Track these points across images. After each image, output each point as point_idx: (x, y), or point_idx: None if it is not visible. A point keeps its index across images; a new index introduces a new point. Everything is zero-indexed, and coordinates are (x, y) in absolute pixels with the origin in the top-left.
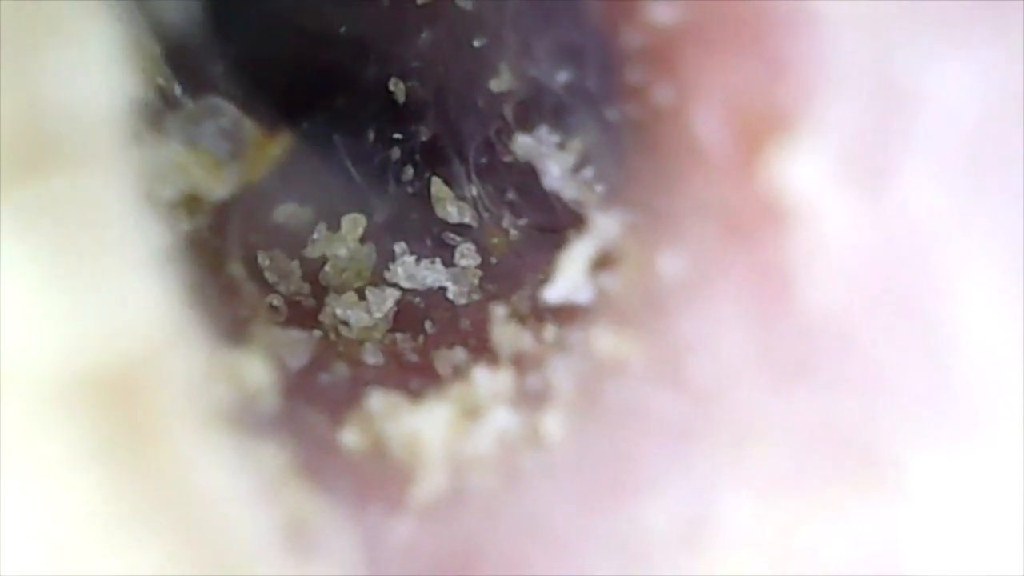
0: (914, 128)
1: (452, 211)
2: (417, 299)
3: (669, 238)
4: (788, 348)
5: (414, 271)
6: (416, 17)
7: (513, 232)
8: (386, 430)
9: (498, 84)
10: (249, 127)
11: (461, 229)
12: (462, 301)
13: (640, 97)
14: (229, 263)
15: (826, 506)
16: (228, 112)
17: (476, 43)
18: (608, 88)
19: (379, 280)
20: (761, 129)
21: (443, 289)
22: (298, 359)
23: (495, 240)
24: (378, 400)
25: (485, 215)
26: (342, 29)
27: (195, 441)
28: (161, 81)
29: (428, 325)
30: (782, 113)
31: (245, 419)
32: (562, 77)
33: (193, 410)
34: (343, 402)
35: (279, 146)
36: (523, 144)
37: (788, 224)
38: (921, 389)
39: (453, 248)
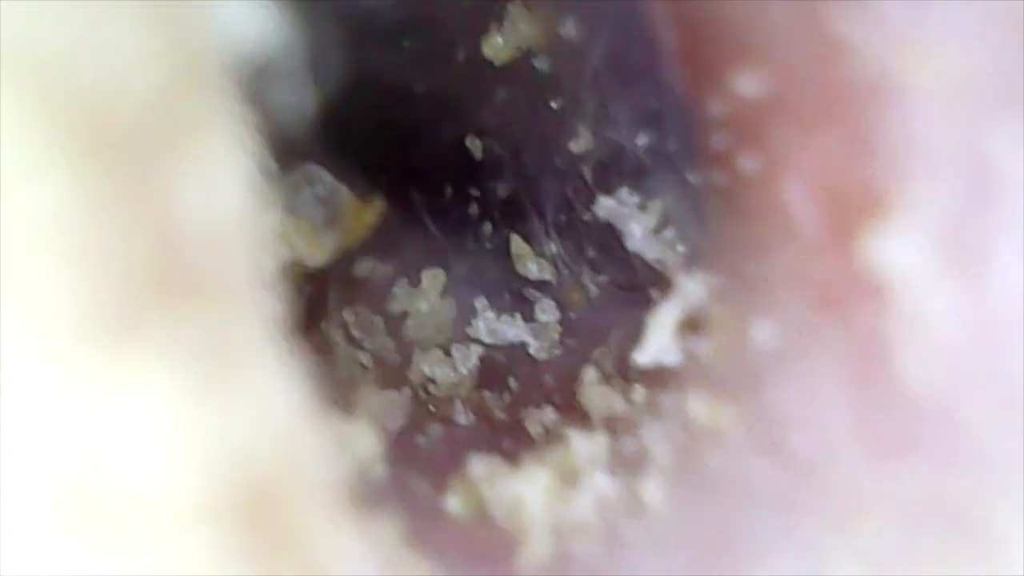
0: (1008, 207)
1: (532, 268)
2: (499, 355)
3: (761, 306)
4: (890, 422)
5: (495, 326)
6: (493, 77)
7: (592, 288)
8: (488, 495)
9: (577, 145)
10: (344, 193)
11: (540, 285)
12: (543, 356)
13: (724, 163)
14: (329, 328)
15: None
16: (323, 179)
17: (554, 104)
18: (690, 152)
19: (461, 336)
20: (854, 206)
21: (524, 344)
22: (395, 421)
23: (575, 296)
24: (478, 464)
25: (564, 272)
26: (419, 87)
27: (327, 530)
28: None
29: (511, 381)
30: (875, 191)
31: (361, 492)
32: (642, 140)
33: (322, 497)
34: (443, 467)
35: (374, 212)
36: (605, 206)
37: (885, 300)
38: (1008, 452)
39: (532, 304)
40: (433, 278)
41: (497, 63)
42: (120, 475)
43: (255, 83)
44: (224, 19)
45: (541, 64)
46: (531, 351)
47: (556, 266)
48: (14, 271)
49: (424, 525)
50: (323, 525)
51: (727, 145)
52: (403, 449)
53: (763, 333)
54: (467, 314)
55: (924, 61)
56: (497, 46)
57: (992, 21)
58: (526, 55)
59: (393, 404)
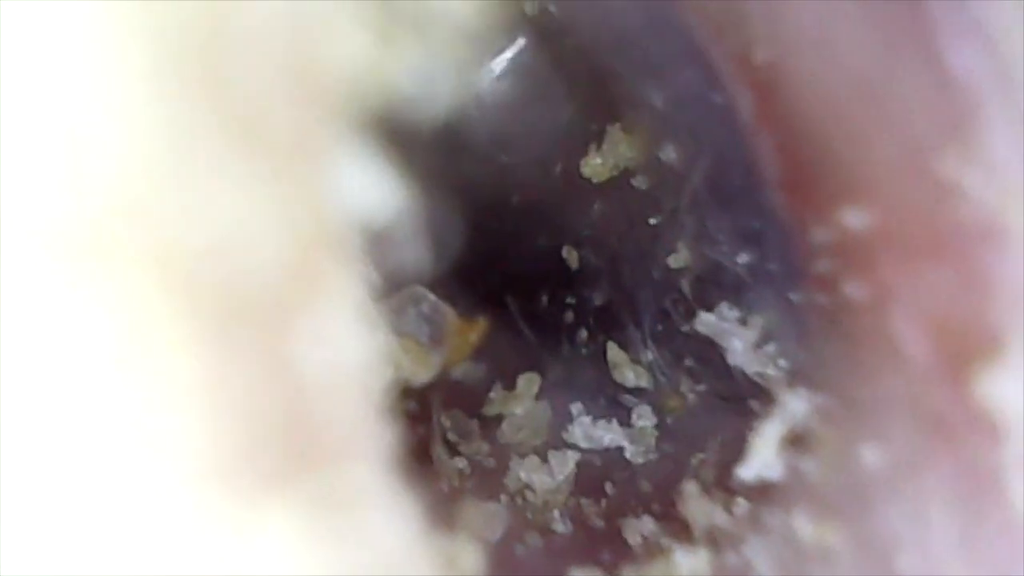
0: None
1: (629, 375)
2: (596, 459)
3: (870, 429)
4: (996, 548)
5: (591, 431)
6: (591, 192)
7: (691, 396)
8: None
9: (675, 260)
10: (449, 313)
11: (637, 391)
12: (639, 460)
13: (829, 287)
14: (434, 446)
15: None
16: (428, 298)
17: (652, 221)
18: (792, 273)
19: (557, 441)
20: (968, 342)
21: (620, 449)
22: (494, 532)
23: (672, 402)
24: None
25: (662, 379)
26: (514, 199)
27: None
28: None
29: (608, 487)
30: (989, 329)
31: None
32: (743, 258)
33: None
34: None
35: (478, 331)
36: (705, 321)
37: (1000, 434)
38: None
39: (629, 409)
40: (528, 382)
41: (595, 180)
42: None
43: (375, 246)
44: (347, 186)
45: (639, 183)
46: (627, 455)
47: (653, 374)
48: (158, 429)
49: None
50: None
51: (831, 270)
52: (504, 562)
53: (871, 455)
54: (563, 419)
55: None
56: (596, 166)
57: None
58: (624, 174)
59: (492, 515)
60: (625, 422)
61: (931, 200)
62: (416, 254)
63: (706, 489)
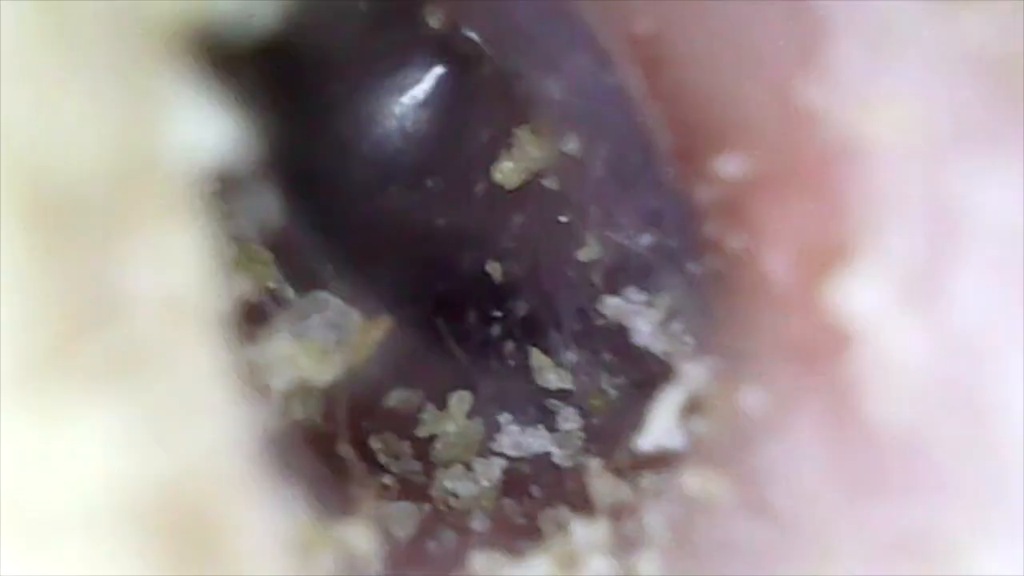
0: (964, 246)
1: (552, 378)
2: (524, 466)
3: (750, 377)
4: (860, 465)
5: (519, 439)
6: (508, 203)
7: (612, 392)
8: None
9: (586, 254)
10: (353, 316)
11: (562, 394)
12: (568, 464)
13: (717, 248)
14: (340, 444)
15: None
16: (333, 304)
17: (563, 219)
18: (688, 244)
19: (485, 451)
20: (820, 263)
21: (548, 454)
22: (405, 530)
23: (595, 402)
24: (480, 559)
25: (584, 379)
26: (441, 221)
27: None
28: (272, 284)
29: (535, 490)
30: (842, 245)
31: None
32: (645, 240)
33: (260, 544)
34: (448, 564)
35: (380, 329)
36: (611, 305)
37: (853, 347)
38: (984, 490)
39: (555, 414)
40: (460, 400)
41: (508, 187)
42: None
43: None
44: (183, 126)
45: (550, 183)
46: (555, 459)
47: (575, 374)
48: None
49: None
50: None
51: (718, 229)
52: (409, 551)
53: (751, 399)
54: (492, 430)
55: (884, 117)
56: (508, 170)
57: (946, 69)
58: (535, 177)
59: (406, 515)
60: (552, 427)
61: (792, 130)
62: (262, 200)
63: (617, 471)
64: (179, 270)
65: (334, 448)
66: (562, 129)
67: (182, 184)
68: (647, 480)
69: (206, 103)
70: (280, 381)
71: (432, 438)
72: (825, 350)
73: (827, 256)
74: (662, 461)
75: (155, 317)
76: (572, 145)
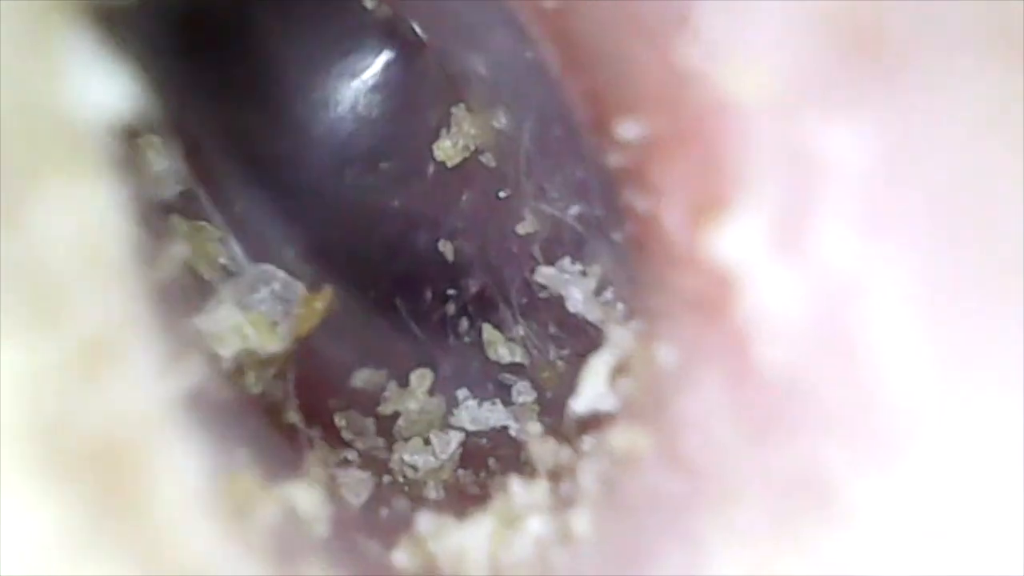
0: (825, 194)
1: (504, 352)
2: (483, 440)
3: (663, 333)
4: (756, 409)
5: (476, 414)
6: (455, 182)
7: (560, 363)
8: (435, 549)
9: (524, 227)
10: (299, 288)
11: (516, 369)
12: (524, 437)
13: (632, 215)
14: (287, 412)
15: (800, 549)
16: (279, 277)
17: (501, 194)
18: (610, 212)
19: (443, 425)
20: (707, 217)
21: (506, 428)
22: (359, 497)
23: (545, 374)
24: (425, 522)
25: (534, 352)
26: (396, 203)
27: (182, 524)
28: (224, 260)
29: (492, 462)
30: (721, 199)
31: (298, 542)
32: (574, 210)
33: (182, 499)
34: (397, 529)
35: (323, 301)
36: (545, 274)
37: (737, 296)
38: (857, 426)
39: (510, 388)
40: (421, 378)
41: (449, 164)
42: None
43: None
44: (84, 86)
45: (487, 160)
46: (512, 433)
47: (526, 347)
48: None
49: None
50: (174, 518)
51: (630, 196)
52: (362, 517)
53: (666, 357)
54: (451, 405)
55: (749, 76)
56: (447, 148)
57: (805, 29)
58: (474, 154)
59: (360, 482)
60: (508, 402)
61: (676, 91)
62: (168, 161)
63: (553, 432)
64: (91, 218)
65: (283, 416)
66: (491, 105)
67: (88, 140)
68: (584, 442)
69: (107, 63)
70: (227, 350)
71: (395, 415)
72: (717, 301)
73: (710, 210)
74: (595, 423)
75: (69, 262)
76: (502, 120)
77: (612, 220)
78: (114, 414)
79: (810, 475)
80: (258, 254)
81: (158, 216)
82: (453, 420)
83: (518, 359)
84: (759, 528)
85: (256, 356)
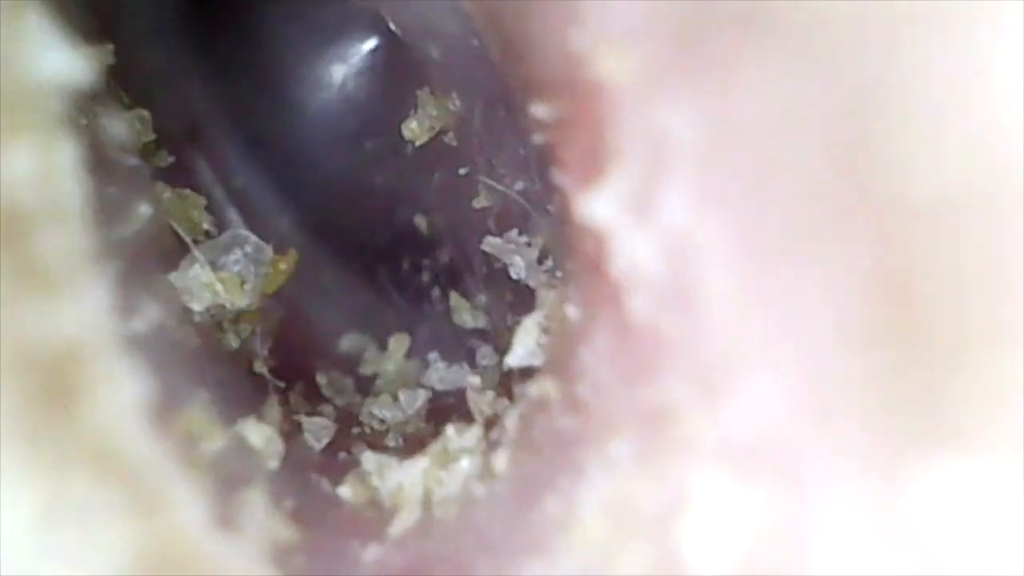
0: (669, 165)
1: (467, 318)
2: (450, 398)
3: (572, 294)
4: (630, 354)
5: (445, 375)
6: (427, 161)
7: (515, 328)
8: (377, 484)
9: (479, 202)
10: (267, 250)
11: (480, 334)
12: (489, 414)
13: (556, 188)
14: (256, 363)
15: (655, 475)
16: (251, 240)
17: (461, 171)
18: (545, 188)
19: (414, 384)
20: (589, 186)
21: (466, 388)
22: (319, 442)
23: (504, 339)
24: (370, 460)
25: (496, 318)
26: (378, 180)
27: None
28: (207, 226)
29: (455, 418)
30: (598, 171)
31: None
32: (519, 186)
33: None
34: (346, 468)
35: (288, 263)
36: (491, 243)
37: (610, 254)
38: (696, 359)
39: (474, 351)
40: (399, 341)
41: (417, 143)
42: None
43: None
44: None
45: (449, 139)
46: (471, 391)
47: (488, 314)
48: None
49: (312, 503)
50: (112, 427)
51: (553, 171)
52: (315, 457)
53: (574, 314)
54: (423, 367)
55: (617, 61)
56: (413, 129)
57: (653, 19)
58: (439, 134)
59: (321, 428)
60: (473, 364)
61: (572, 74)
62: (119, 121)
63: (487, 383)
64: (52, 169)
65: (250, 364)
66: (447, 89)
67: (42, 100)
68: (514, 393)
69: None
70: (199, 304)
71: (374, 376)
72: (599, 262)
73: (592, 181)
74: (524, 375)
75: (30, 202)
76: (456, 103)
77: (546, 194)
78: (62, 334)
79: (665, 409)
80: (254, 224)
81: (135, 181)
82: (423, 380)
83: (481, 325)
84: (625, 458)
85: (226, 311)
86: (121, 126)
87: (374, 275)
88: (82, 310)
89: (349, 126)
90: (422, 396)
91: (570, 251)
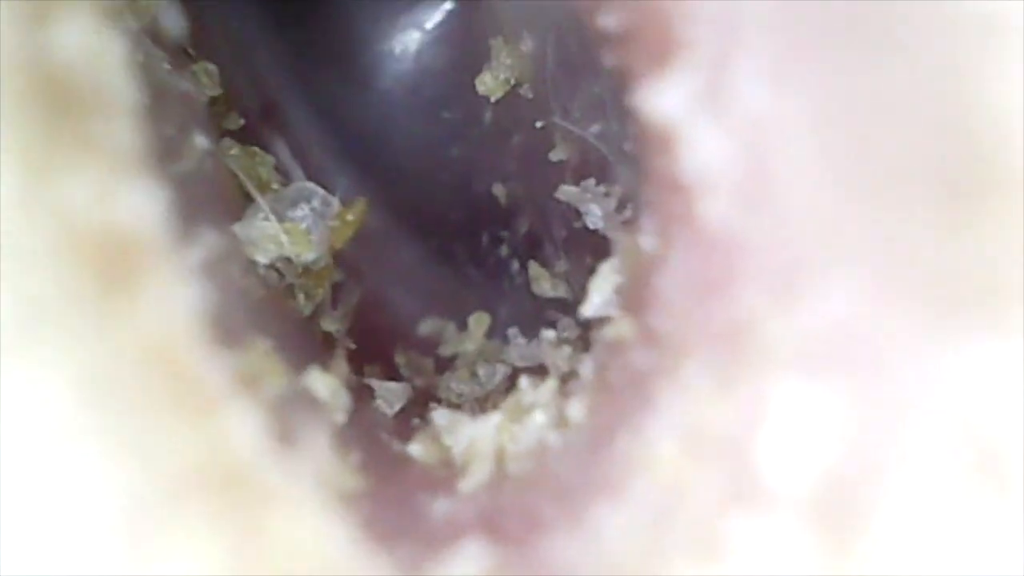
0: (741, 41)
1: (547, 287)
2: (525, 371)
3: (645, 223)
4: (703, 269)
5: (524, 351)
6: (505, 123)
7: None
8: (448, 442)
9: (556, 154)
10: (335, 203)
11: (559, 304)
12: (565, 370)
13: (631, 115)
14: (324, 319)
15: (729, 395)
16: (319, 194)
17: (538, 124)
18: (621, 124)
19: (493, 360)
20: (651, 80)
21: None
22: (392, 407)
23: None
24: (442, 416)
25: (576, 286)
26: (455, 151)
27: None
28: (275, 186)
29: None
30: (661, 61)
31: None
32: (595, 129)
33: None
34: (417, 427)
35: (355, 213)
36: (567, 192)
37: (679, 155)
38: (774, 260)
39: (555, 324)
40: (478, 320)
41: (493, 99)
42: None
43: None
44: None
45: (525, 92)
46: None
47: (568, 282)
48: None
49: (383, 460)
50: (166, 330)
51: (627, 96)
52: (384, 419)
53: (647, 242)
54: (503, 344)
55: None
56: (488, 81)
57: None
58: (514, 88)
59: (396, 393)
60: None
61: None
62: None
63: (563, 338)
64: (95, 48)
65: (317, 323)
66: (518, 30)
67: None
68: (589, 342)
69: None
70: (264, 256)
71: (454, 356)
72: (669, 173)
73: (658, 74)
74: (599, 323)
75: (73, 71)
76: (528, 44)
77: (623, 131)
78: (119, 218)
79: (739, 321)
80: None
81: (190, 115)
82: (503, 356)
83: (561, 293)
84: (698, 381)
85: (293, 266)
86: (175, 21)
87: (452, 253)
88: (137, 203)
89: (426, 97)
90: (501, 371)
91: (644, 176)
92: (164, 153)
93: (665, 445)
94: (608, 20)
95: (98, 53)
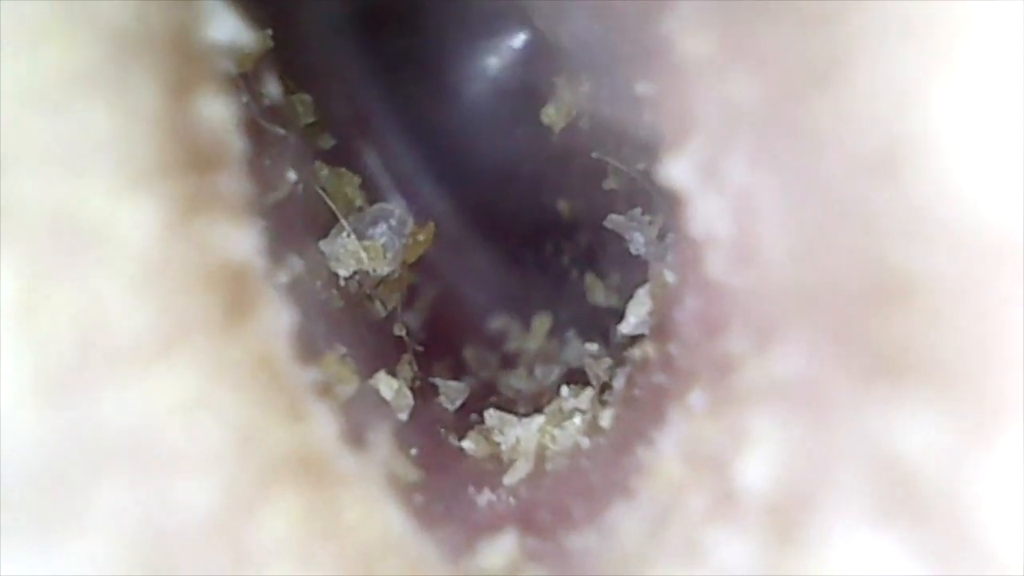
0: (734, 141)
1: (600, 297)
2: (578, 372)
3: (670, 258)
4: (709, 310)
5: (580, 351)
6: (568, 146)
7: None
8: (498, 439)
9: (608, 184)
10: (409, 222)
11: (614, 313)
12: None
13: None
14: (396, 325)
15: (724, 421)
16: (396, 214)
17: (594, 155)
18: (655, 165)
19: (550, 360)
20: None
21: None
22: (454, 403)
23: None
24: (492, 416)
25: (625, 300)
26: (526, 166)
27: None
28: (360, 203)
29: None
30: (680, 137)
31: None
32: (640, 165)
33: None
34: (471, 424)
35: (426, 234)
36: (614, 220)
37: (689, 214)
38: (757, 308)
39: (608, 329)
40: (541, 322)
41: (555, 129)
42: None
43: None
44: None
45: (584, 124)
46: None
47: (620, 293)
48: None
49: (439, 454)
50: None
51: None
52: (445, 415)
53: (670, 277)
54: (562, 345)
55: (696, 37)
56: (552, 114)
57: None
58: (575, 119)
59: (458, 391)
60: (607, 342)
61: (661, 53)
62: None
63: (604, 351)
64: (217, 114)
65: (391, 327)
66: (577, 72)
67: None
68: (624, 358)
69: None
70: (344, 270)
71: (517, 353)
72: (684, 226)
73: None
74: (634, 341)
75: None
76: (585, 86)
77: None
78: (236, 257)
79: (732, 360)
80: (415, 207)
81: (286, 153)
82: (561, 356)
83: (613, 303)
84: (699, 405)
85: (370, 277)
86: (278, 99)
87: (520, 257)
88: (247, 243)
89: (502, 115)
90: (556, 371)
91: (671, 222)
92: (261, 188)
93: (670, 457)
94: (643, 87)
95: (224, 118)
